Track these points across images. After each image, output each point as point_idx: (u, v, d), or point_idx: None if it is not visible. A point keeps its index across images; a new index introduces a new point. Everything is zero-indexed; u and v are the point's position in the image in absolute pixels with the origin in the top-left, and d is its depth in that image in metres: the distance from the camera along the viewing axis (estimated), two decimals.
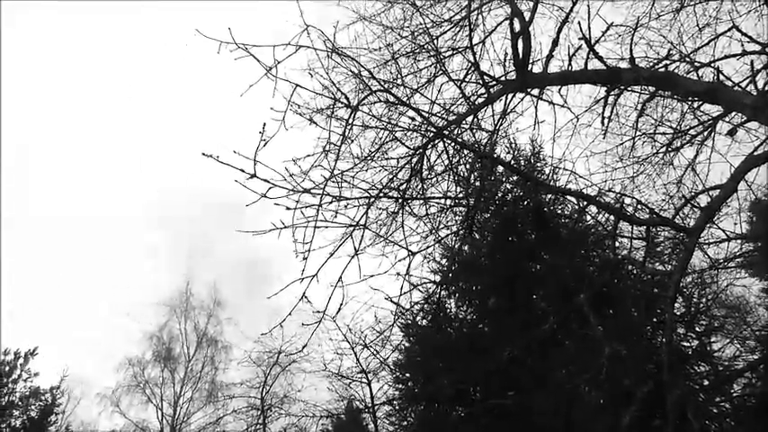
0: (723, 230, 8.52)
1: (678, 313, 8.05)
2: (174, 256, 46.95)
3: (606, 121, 7.92)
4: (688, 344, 8.20)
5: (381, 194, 5.91)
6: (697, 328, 8.19)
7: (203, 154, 4.10)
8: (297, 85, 5.03)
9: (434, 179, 7.00)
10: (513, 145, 9.84)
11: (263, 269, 36.37)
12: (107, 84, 46.16)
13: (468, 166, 7.32)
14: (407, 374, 10.08)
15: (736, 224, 8.45)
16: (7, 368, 20.54)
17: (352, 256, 5.32)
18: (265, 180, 4.46)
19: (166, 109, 47.06)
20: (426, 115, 6.42)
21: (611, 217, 7.04)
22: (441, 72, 7.93)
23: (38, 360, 21.11)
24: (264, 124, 4.32)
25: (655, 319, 8.17)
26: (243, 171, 4.28)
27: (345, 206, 5.51)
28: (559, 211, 9.65)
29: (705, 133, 8.36)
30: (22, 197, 37.62)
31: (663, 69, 7.44)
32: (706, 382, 7.93)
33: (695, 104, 8.02)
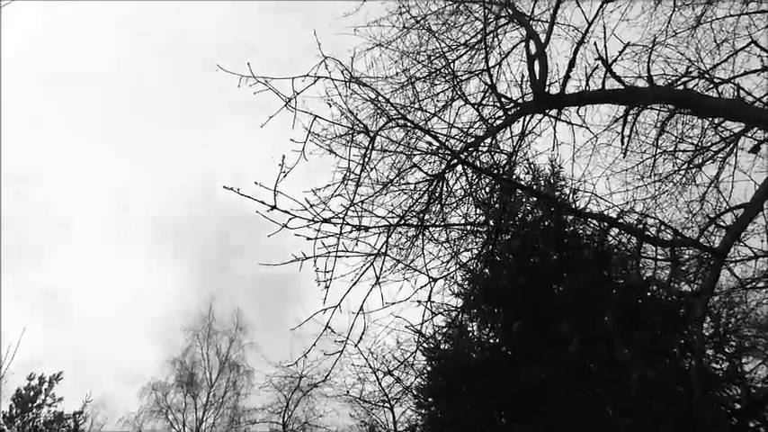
0: (750, 248, 8.31)
1: (707, 334, 7.87)
2: (193, 274, 47.02)
3: (626, 139, 7.86)
4: (718, 366, 8.00)
5: (401, 222, 5.89)
6: (727, 350, 8.00)
7: (224, 187, 4.14)
8: (315, 116, 5.07)
9: (454, 204, 6.98)
10: (533, 167, 9.77)
11: (282, 286, 36.24)
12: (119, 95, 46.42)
13: (487, 190, 7.29)
14: (430, 399, 9.95)
15: (762, 241, 8.24)
16: (32, 393, 20.73)
17: (374, 285, 5.30)
18: (285, 211, 4.47)
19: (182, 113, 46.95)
20: (444, 140, 6.42)
21: (634, 238, 6.94)
22: (458, 95, 7.93)
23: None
24: (284, 156, 4.34)
25: (683, 341, 8.00)
26: (263, 203, 4.29)
27: (365, 232, 5.50)
28: (581, 232, 9.54)
29: (727, 150, 8.22)
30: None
31: (681, 88, 7.37)
32: (738, 406, 7.72)
33: (716, 120, 7.91)
